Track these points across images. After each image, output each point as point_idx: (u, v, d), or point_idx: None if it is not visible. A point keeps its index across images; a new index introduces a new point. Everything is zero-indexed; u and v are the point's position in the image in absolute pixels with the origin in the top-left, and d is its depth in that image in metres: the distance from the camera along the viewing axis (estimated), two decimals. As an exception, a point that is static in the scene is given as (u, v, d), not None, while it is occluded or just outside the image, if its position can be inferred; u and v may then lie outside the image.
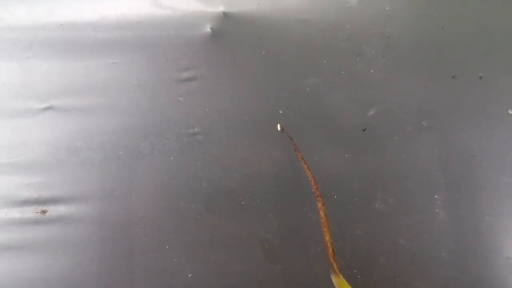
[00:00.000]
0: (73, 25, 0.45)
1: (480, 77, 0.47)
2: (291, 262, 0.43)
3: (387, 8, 0.48)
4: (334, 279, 0.34)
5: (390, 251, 0.45)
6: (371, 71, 0.47)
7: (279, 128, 0.45)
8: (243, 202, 0.44)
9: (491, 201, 0.46)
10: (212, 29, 0.45)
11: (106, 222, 0.43)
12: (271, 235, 0.44)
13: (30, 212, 0.42)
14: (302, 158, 0.40)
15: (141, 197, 0.43)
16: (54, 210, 0.43)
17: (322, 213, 0.35)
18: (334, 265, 0.34)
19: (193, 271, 0.42)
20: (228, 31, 0.46)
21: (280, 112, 0.46)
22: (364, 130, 0.46)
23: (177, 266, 0.42)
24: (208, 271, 0.43)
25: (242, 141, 0.45)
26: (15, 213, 0.42)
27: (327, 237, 0.35)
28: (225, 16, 0.46)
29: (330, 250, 0.34)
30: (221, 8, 0.45)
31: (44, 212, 0.43)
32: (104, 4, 0.45)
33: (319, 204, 0.36)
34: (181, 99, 0.45)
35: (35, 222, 0.42)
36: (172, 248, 0.43)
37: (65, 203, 0.43)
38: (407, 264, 0.44)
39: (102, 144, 0.43)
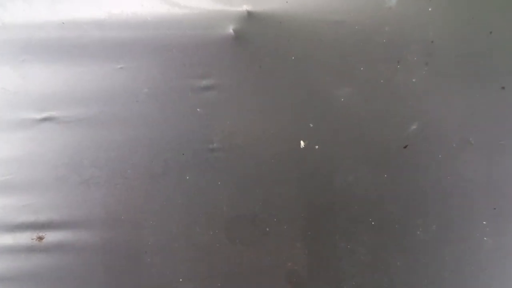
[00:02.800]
0: (76, 24, 0.39)
1: (533, 88, 0.43)
2: (322, 298, 0.38)
3: (429, 9, 0.43)
4: None
5: (433, 284, 0.40)
6: (413, 80, 0.42)
7: (302, 145, 0.39)
8: (267, 229, 0.39)
9: (545, 228, 0.41)
10: (234, 30, 0.40)
11: (111, 250, 0.38)
12: (299, 266, 0.39)
13: (24, 238, 0.38)
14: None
15: (151, 222, 0.38)
16: (52, 236, 0.38)
17: None
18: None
19: (211, 307, 0.37)
20: (252, 33, 0.41)
21: (311, 125, 0.40)
22: (405, 147, 0.41)
23: (193, 302, 0.37)
24: (228, 308, 0.38)
25: (267, 159, 0.40)
26: (8, 239, 0.38)
27: None
28: (250, 16, 0.40)
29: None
30: (245, 7, 0.40)
31: (40, 238, 0.38)
32: (112, 1, 0.40)
33: None
34: (199, 110, 0.39)
35: (30, 249, 0.38)
36: (187, 280, 0.38)
37: (64, 228, 0.38)
38: (453, 300, 0.40)
39: (108, 161, 0.38)
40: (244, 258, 0.38)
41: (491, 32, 0.43)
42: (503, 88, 0.43)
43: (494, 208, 0.41)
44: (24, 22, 0.39)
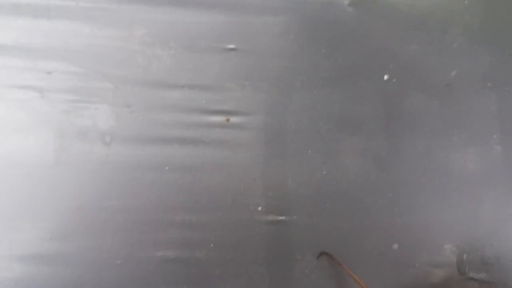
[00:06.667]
0: None
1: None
2: None
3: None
4: None
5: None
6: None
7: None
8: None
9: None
10: (350, 2, 0.63)
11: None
12: (383, 151, 0.61)
13: (219, 119, 0.58)
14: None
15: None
16: (235, 119, 0.59)
17: None
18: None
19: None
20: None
21: (392, 66, 0.64)
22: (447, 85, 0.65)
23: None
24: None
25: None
26: (206, 120, 0.58)
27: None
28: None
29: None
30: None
31: (228, 120, 0.59)
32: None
33: None
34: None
35: (222, 126, 0.58)
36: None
37: (245, 115, 0.59)
38: None
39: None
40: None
41: None
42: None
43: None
44: None
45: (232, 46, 0.60)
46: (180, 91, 0.58)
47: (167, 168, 0.57)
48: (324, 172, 0.59)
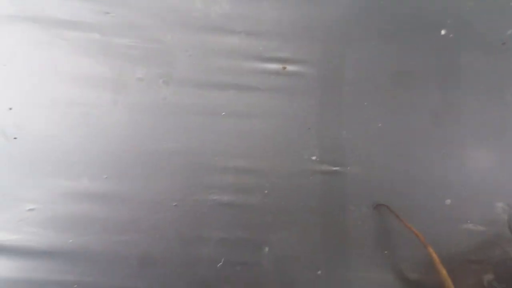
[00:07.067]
0: None
1: None
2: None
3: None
4: None
5: None
6: (511, 3, 0.65)
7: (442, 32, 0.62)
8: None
9: None
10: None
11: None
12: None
13: (274, 67, 0.58)
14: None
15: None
16: (291, 67, 0.58)
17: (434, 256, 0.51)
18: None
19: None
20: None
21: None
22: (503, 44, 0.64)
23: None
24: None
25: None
26: (261, 67, 0.58)
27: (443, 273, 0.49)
28: None
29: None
30: None
31: (284, 68, 0.58)
32: None
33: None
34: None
35: (277, 73, 0.58)
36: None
37: (300, 63, 0.58)
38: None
39: None
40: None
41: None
42: None
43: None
44: None
45: (290, -7, 0.59)
46: (238, 37, 0.58)
47: (223, 113, 0.56)
48: (379, 125, 0.59)
